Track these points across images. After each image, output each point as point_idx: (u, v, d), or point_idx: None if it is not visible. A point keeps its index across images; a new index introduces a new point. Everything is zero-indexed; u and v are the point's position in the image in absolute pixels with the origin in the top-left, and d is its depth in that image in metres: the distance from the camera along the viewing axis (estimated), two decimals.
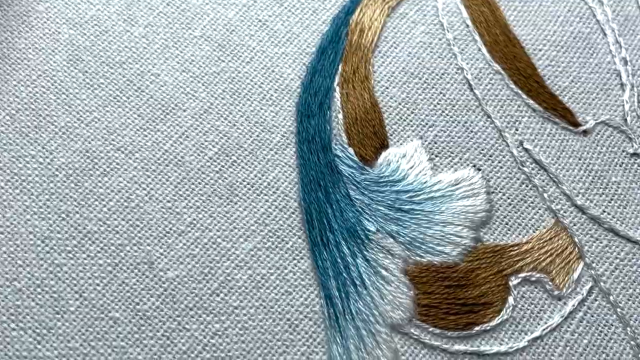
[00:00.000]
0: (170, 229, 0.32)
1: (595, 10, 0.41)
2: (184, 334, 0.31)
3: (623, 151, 0.37)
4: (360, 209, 0.33)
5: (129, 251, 0.32)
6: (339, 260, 0.32)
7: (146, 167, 0.34)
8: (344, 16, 0.39)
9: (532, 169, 0.36)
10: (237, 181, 0.34)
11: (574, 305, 0.33)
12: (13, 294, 0.30)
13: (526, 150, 0.36)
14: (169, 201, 0.33)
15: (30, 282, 0.31)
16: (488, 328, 0.32)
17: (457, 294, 0.32)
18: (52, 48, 0.36)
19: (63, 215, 0.32)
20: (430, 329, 0.32)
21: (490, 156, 0.36)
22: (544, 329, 0.32)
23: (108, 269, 0.31)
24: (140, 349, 0.30)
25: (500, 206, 0.35)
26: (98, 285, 0.31)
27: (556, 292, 0.33)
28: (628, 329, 0.33)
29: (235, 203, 0.33)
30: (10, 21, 0.36)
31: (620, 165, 0.37)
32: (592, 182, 0.36)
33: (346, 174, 0.34)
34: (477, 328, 0.32)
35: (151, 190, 0.33)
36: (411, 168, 0.35)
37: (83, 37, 0.36)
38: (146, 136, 0.34)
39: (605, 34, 0.40)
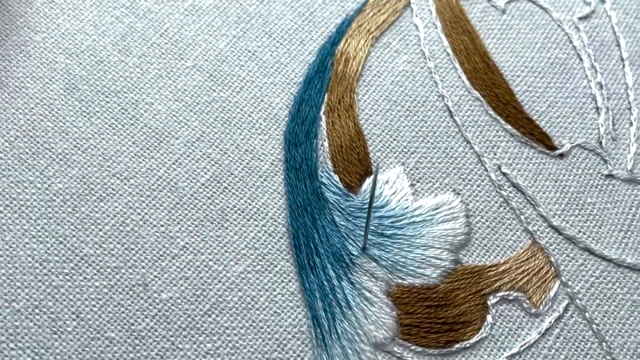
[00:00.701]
0: (164, 252, 0.34)
1: (571, 37, 0.42)
2: (178, 354, 0.32)
3: (598, 173, 0.39)
4: (345, 234, 0.35)
5: (124, 273, 0.33)
6: (325, 282, 0.33)
7: (141, 193, 0.35)
8: (329, 46, 0.40)
9: (510, 192, 0.37)
10: (228, 207, 0.35)
11: (550, 322, 0.34)
12: (12, 315, 0.32)
13: (504, 174, 0.38)
14: (162, 225, 0.34)
15: (28, 303, 0.32)
16: (468, 345, 0.33)
17: (437, 313, 0.34)
18: (49, 77, 0.37)
19: (60, 239, 0.33)
20: (413, 347, 0.33)
21: (470, 180, 0.37)
22: (522, 346, 0.34)
23: (104, 291, 0.33)
24: None
25: (479, 229, 0.36)
26: (94, 306, 0.32)
27: (533, 310, 0.34)
28: (603, 344, 0.34)
29: (226, 228, 0.35)
30: (8, 50, 0.38)
31: (596, 187, 0.38)
32: (567, 203, 0.37)
33: (331, 201, 0.36)
34: (457, 345, 0.33)
35: (145, 215, 0.34)
36: (393, 194, 0.36)
37: (79, 67, 0.38)
38: (141, 163, 0.36)
39: (581, 59, 0.42)
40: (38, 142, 0.36)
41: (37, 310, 0.32)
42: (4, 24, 0.38)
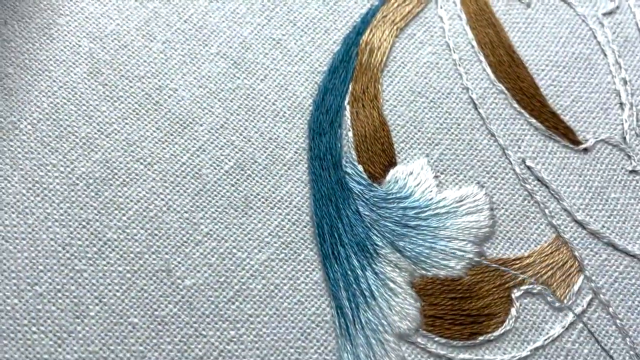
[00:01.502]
0: (188, 238, 0.34)
1: (595, 32, 0.42)
2: (201, 340, 0.32)
3: (622, 168, 0.38)
4: (369, 225, 0.35)
5: (147, 259, 0.33)
6: (349, 272, 0.33)
7: (164, 179, 0.35)
8: (354, 36, 0.40)
9: (534, 185, 0.37)
10: (251, 194, 0.35)
11: (574, 317, 0.34)
12: (34, 298, 0.32)
13: (528, 167, 0.38)
14: (186, 212, 0.34)
15: (51, 287, 0.32)
16: (492, 338, 0.33)
17: (461, 305, 0.33)
18: (72, 60, 0.37)
19: (84, 223, 0.33)
20: (436, 339, 0.33)
21: (494, 173, 0.37)
22: (545, 339, 0.34)
23: (127, 276, 0.32)
24: (158, 354, 0.31)
25: (503, 222, 0.36)
26: (117, 291, 0.32)
27: (557, 304, 0.34)
28: (627, 339, 0.34)
29: (250, 215, 0.35)
30: (32, 33, 0.38)
31: (619, 182, 0.38)
32: (592, 198, 0.37)
33: (356, 191, 0.35)
34: (481, 338, 0.33)
35: (169, 201, 0.34)
36: (417, 185, 0.36)
37: (103, 51, 0.38)
38: (164, 149, 0.36)
39: (605, 55, 0.42)
40: (61, 125, 0.35)
41: (59, 294, 0.32)
42: (28, 6, 0.38)
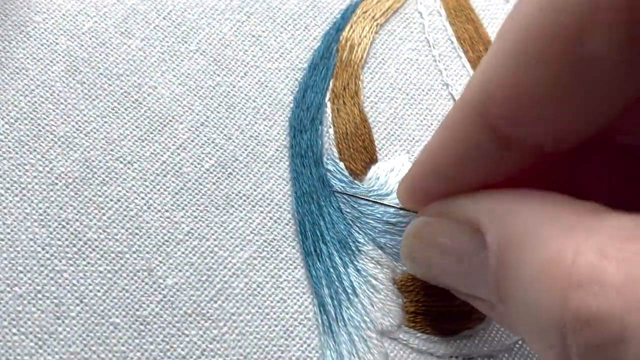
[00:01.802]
0: (169, 237, 0.34)
1: None
2: (183, 339, 0.32)
3: None
4: (350, 222, 0.35)
5: (128, 258, 0.33)
6: (331, 269, 0.34)
7: (144, 177, 0.35)
8: (334, 32, 0.40)
9: None
10: (233, 192, 0.35)
11: None
12: (14, 300, 0.31)
13: None
14: (167, 210, 0.34)
15: (31, 288, 0.32)
16: (472, 333, 0.34)
17: (442, 301, 0.34)
18: (50, 59, 0.37)
19: (63, 223, 0.33)
20: (418, 335, 0.33)
21: None
22: None
23: (108, 276, 0.32)
24: (140, 354, 0.31)
25: None
26: (99, 291, 0.32)
27: None
28: None
29: (232, 214, 0.35)
30: (8, 31, 0.37)
31: None
32: None
33: (337, 188, 0.36)
34: (462, 333, 0.33)
35: (150, 199, 0.34)
36: (399, 182, 0.36)
37: (80, 49, 0.37)
38: (144, 147, 0.35)
39: None
40: (39, 124, 0.35)
41: (40, 295, 0.32)
42: (3, 3, 0.38)
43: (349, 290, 0.33)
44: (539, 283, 0.21)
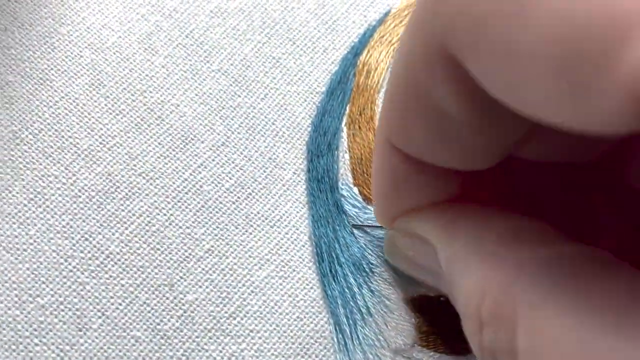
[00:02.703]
0: (190, 254, 0.35)
1: None
2: (203, 354, 0.33)
3: None
4: (364, 245, 0.36)
5: (149, 273, 0.34)
6: (346, 290, 0.35)
7: (166, 194, 0.36)
8: (352, 57, 0.41)
9: None
10: (252, 213, 0.36)
11: None
12: (36, 310, 0.32)
13: None
14: (188, 227, 0.35)
15: (53, 299, 0.32)
16: None
17: (454, 321, 0.35)
18: (74, 71, 0.37)
19: (86, 236, 0.34)
20: (431, 354, 0.35)
21: None
22: None
23: (130, 289, 0.33)
24: None
25: None
26: (120, 304, 0.33)
27: None
28: None
29: (250, 233, 0.36)
30: (32, 41, 0.38)
31: None
32: None
33: (351, 214, 0.37)
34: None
35: (171, 216, 0.35)
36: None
37: (105, 63, 0.38)
38: (166, 164, 0.36)
39: None
40: (63, 136, 0.36)
41: (62, 307, 0.32)
42: (28, 13, 0.38)
43: (364, 310, 0.35)
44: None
